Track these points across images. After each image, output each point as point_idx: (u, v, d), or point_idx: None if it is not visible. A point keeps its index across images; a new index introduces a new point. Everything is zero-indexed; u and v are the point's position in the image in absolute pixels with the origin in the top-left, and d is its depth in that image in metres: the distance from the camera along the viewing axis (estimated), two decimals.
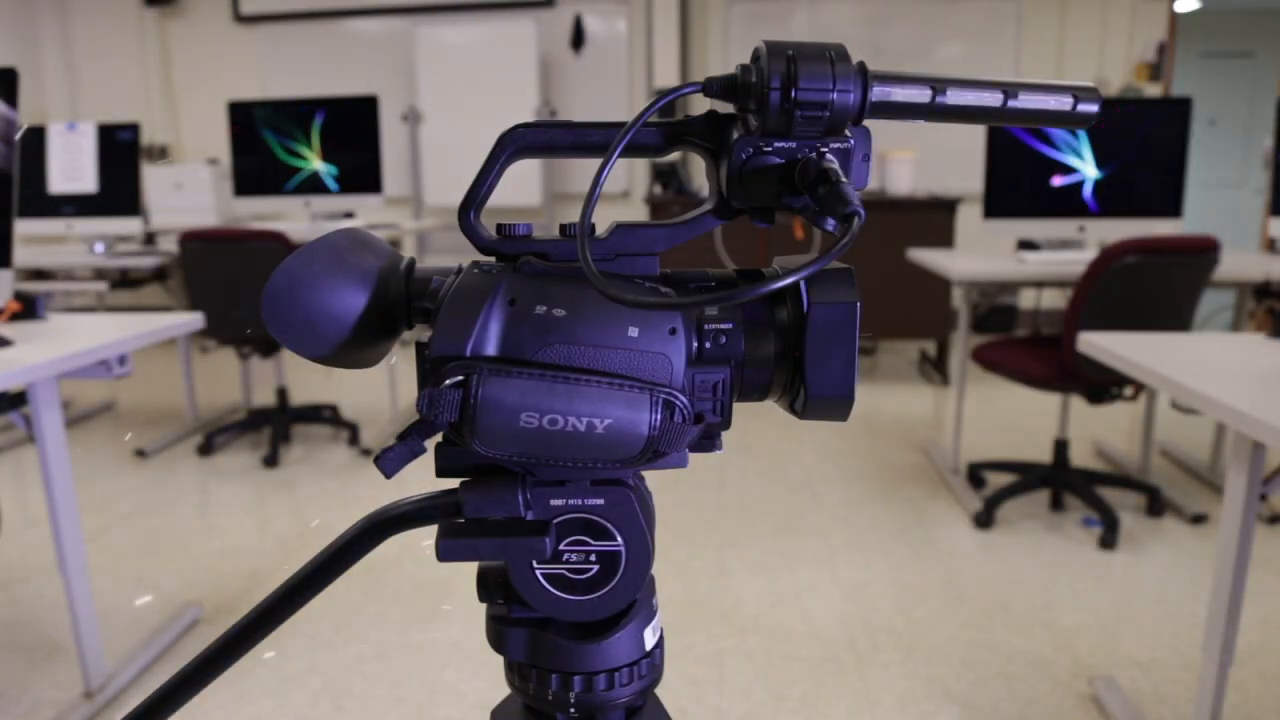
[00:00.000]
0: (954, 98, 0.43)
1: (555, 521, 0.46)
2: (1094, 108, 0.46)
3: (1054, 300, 4.94)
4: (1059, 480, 2.79)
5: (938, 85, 0.43)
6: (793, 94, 0.39)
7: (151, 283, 4.03)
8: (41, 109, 6.10)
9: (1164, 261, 2.45)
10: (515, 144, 0.44)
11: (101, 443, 3.61)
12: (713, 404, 0.44)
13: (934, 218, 4.49)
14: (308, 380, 4.50)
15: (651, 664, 0.49)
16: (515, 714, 0.51)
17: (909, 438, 3.55)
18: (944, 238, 4.47)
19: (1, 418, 2.01)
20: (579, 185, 5.85)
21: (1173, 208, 2.99)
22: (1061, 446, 2.81)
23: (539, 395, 0.41)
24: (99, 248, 3.66)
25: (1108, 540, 2.51)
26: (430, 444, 0.44)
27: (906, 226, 4.43)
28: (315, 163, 3.77)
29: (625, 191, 5.96)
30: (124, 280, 3.99)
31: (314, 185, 3.77)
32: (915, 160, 4.72)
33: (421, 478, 0.46)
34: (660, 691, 0.53)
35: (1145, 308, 2.50)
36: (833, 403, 0.44)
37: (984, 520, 2.66)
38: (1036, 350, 2.77)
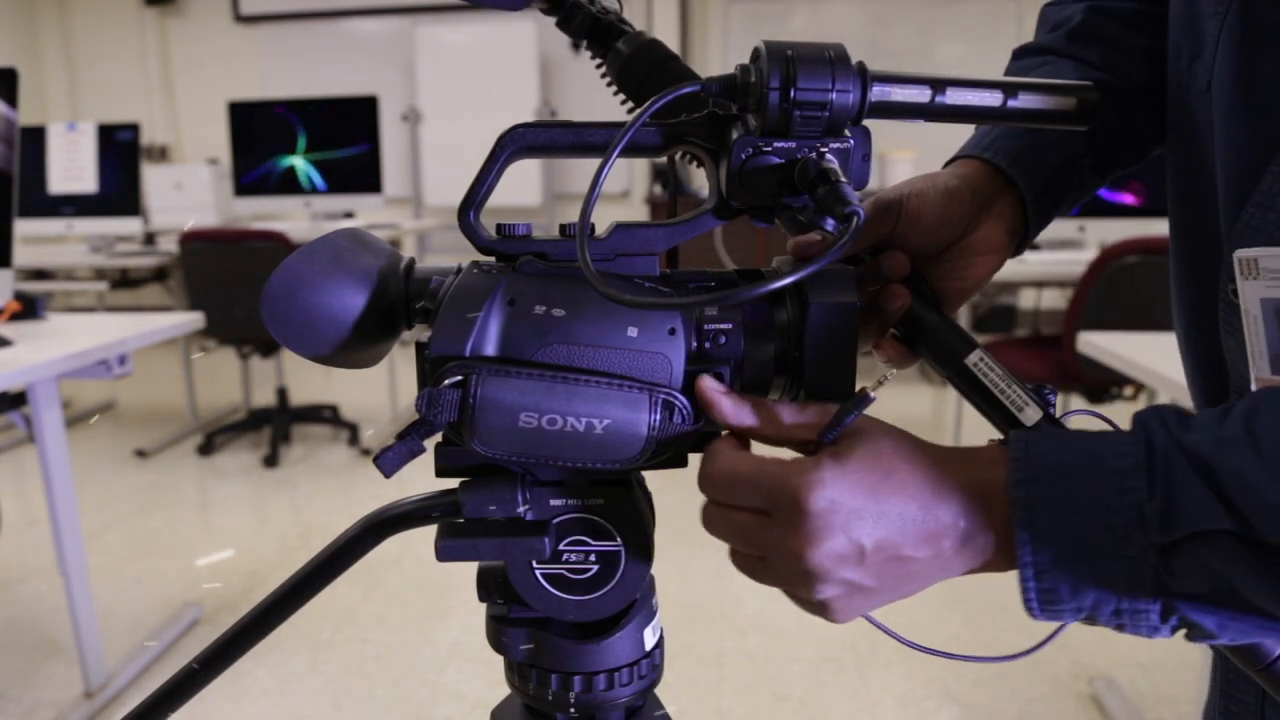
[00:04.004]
0: (954, 98, 0.43)
1: (555, 521, 0.46)
2: (1094, 108, 0.46)
3: (1054, 300, 4.93)
4: None
5: (937, 85, 0.43)
6: (792, 94, 0.39)
7: (151, 283, 4.03)
8: (41, 109, 6.10)
9: (1164, 261, 2.44)
10: (515, 144, 0.44)
11: (101, 443, 3.60)
12: None
13: None
14: (308, 380, 4.49)
15: (651, 664, 0.49)
16: (515, 714, 0.51)
17: None
18: None
19: (1, 418, 2.01)
20: (579, 185, 5.84)
21: None
22: None
23: (538, 395, 0.40)
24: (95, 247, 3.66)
25: None
26: (430, 444, 0.44)
27: None
28: (316, 163, 3.76)
29: (625, 191, 5.96)
30: (124, 280, 3.99)
31: (313, 185, 3.77)
32: (915, 160, 4.72)
33: (421, 478, 0.46)
34: (660, 691, 0.53)
35: (1145, 308, 2.50)
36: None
37: None
38: (1036, 350, 2.77)
